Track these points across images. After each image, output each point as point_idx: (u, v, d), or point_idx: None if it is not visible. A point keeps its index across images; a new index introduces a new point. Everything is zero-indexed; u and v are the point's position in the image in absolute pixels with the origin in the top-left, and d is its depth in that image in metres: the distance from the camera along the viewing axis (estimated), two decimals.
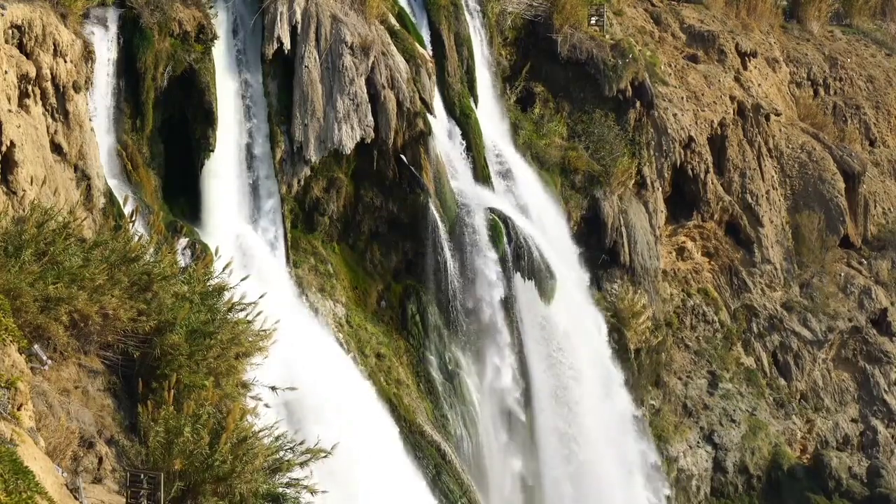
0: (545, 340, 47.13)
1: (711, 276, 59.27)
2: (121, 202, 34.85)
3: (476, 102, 48.99)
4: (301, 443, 22.94)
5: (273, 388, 25.59)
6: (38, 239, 23.10)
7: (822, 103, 68.92)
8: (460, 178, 46.59)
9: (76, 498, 19.02)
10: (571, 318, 48.30)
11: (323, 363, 38.89)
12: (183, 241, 36.04)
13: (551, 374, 47.21)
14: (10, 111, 30.52)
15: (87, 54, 35.48)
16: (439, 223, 44.02)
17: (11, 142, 30.02)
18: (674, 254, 58.16)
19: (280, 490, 22.40)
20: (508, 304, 45.53)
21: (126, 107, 38.10)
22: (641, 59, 54.97)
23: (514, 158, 50.34)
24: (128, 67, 38.04)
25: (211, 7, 40.70)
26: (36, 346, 21.57)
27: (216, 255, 33.22)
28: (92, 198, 33.89)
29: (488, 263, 45.01)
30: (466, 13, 49.89)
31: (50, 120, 33.21)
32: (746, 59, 64.66)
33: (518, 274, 45.80)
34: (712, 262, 59.47)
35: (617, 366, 50.53)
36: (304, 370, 34.58)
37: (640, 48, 57.13)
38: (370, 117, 42.52)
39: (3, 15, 31.29)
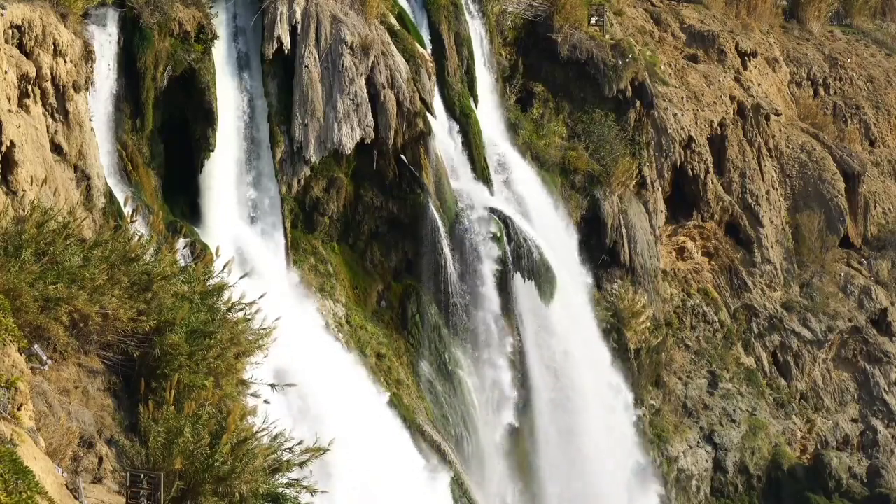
0: (545, 340, 47.13)
1: (711, 276, 59.27)
2: (121, 202, 34.88)
3: (476, 102, 48.99)
4: (300, 442, 22.95)
5: (272, 385, 25.63)
6: (38, 239, 23.11)
7: (822, 103, 68.92)
8: (460, 178, 46.59)
9: (76, 498, 19.02)
10: (571, 317, 48.30)
11: (322, 362, 38.88)
12: (183, 241, 36.02)
13: (551, 373, 47.23)
14: (10, 111, 30.52)
15: (87, 54, 35.45)
16: (439, 223, 44.02)
17: (11, 142, 30.01)
18: (674, 254, 58.16)
19: (280, 490, 22.42)
20: (508, 304, 45.52)
21: (126, 107, 38.08)
22: (641, 59, 54.97)
23: (515, 158, 50.34)
24: (128, 67, 38.02)
25: (211, 7, 40.67)
26: (36, 346, 21.57)
27: (216, 254, 33.22)
28: (92, 198, 33.89)
29: (488, 263, 45.02)
30: (466, 13, 49.88)
31: (50, 120, 33.20)
32: (746, 59, 64.66)
33: (518, 274, 45.79)
34: (712, 262, 59.47)
35: (616, 365, 50.58)
36: (303, 369, 34.58)
37: (640, 48, 57.13)
38: (370, 117, 42.52)
39: (3, 15, 31.29)
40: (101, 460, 21.33)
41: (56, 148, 33.19)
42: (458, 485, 42.07)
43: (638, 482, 50.63)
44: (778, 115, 63.95)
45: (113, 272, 23.56)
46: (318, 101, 42.03)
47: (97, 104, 36.77)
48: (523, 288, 46.08)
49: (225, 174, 40.50)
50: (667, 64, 60.23)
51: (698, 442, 55.06)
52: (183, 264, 30.04)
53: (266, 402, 24.95)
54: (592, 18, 56.43)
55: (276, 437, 22.76)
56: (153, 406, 21.55)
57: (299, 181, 42.20)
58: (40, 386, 21.51)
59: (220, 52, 40.86)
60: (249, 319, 25.39)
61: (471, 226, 45.10)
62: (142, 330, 23.62)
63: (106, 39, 37.38)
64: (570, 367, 47.87)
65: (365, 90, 42.62)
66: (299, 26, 42.02)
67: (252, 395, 25.05)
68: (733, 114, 60.38)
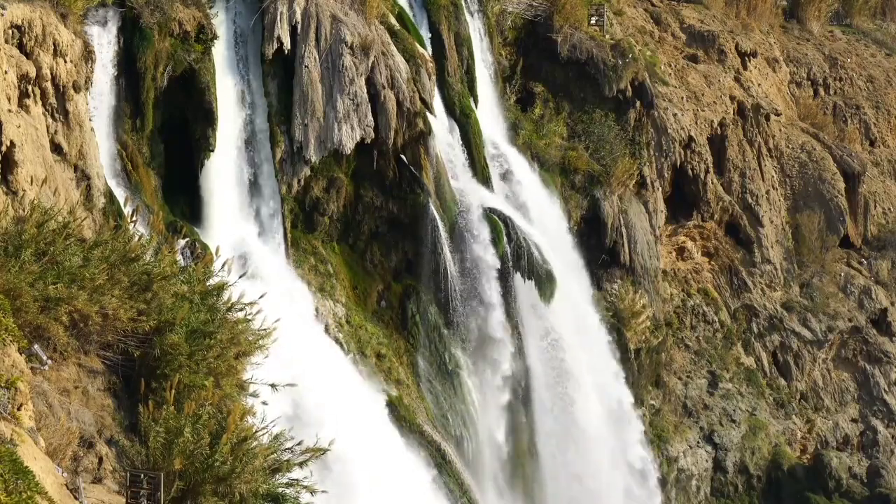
0: (544, 340, 47.14)
1: (711, 276, 59.27)
2: (121, 202, 34.89)
3: (476, 102, 48.99)
4: (300, 442, 22.94)
5: (273, 386, 25.61)
6: (38, 239, 23.10)
7: (822, 103, 68.93)
8: (460, 178, 46.60)
9: (76, 498, 19.02)
10: (571, 317, 48.30)
11: (322, 363, 38.89)
12: (183, 242, 36.03)
13: (551, 373, 47.24)
14: (10, 111, 30.52)
15: (87, 54, 35.46)
16: (439, 223, 44.03)
17: (11, 142, 30.02)
18: (674, 254, 58.16)
19: (280, 490, 22.41)
20: (508, 304, 45.52)
21: (126, 107, 38.09)
22: (641, 59, 54.98)
23: (514, 158, 50.35)
24: (128, 67, 38.03)
25: (211, 7, 40.69)
26: (36, 346, 21.56)
27: (216, 254, 33.23)
28: (92, 198, 33.89)
29: (488, 264, 45.02)
30: (466, 13, 49.89)
31: (50, 120, 33.20)
32: (746, 59, 64.66)
33: (518, 274, 45.80)
34: (712, 262, 59.47)
35: (617, 365, 50.56)
36: (304, 370, 34.56)
37: (640, 48, 57.13)
38: (370, 117, 42.53)
39: (3, 15, 31.29)
40: (101, 460, 21.33)
41: (56, 148, 33.20)
42: (458, 485, 42.07)
43: (637, 481, 50.61)
44: (778, 115, 63.96)
45: (113, 272, 23.56)
46: (318, 101, 42.04)
47: (97, 104, 36.78)
48: (523, 288, 46.09)
49: (225, 174, 40.52)
50: (667, 64, 60.24)
51: (698, 442, 55.06)
52: (183, 264, 30.05)
53: (264, 403, 24.93)
54: (592, 18, 56.44)
55: (276, 437, 22.75)
56: (153, 406, 21.53)
57: (299, 181, 42.21)
58: (40, 386, 21.51)
59: (220, 52, 40.87)
60: (250, 320, 25.39)
61: (471, 226, 45.10)
62: (142, 330, 23.61)
63: (106, 39, 37.39)
64: (571, 367, 47.85)
65: (365, 90, 42.62)
66: (299, 26, 42.02)
67: (252, 394, 25.04)
68: (733, 114, 60.38)
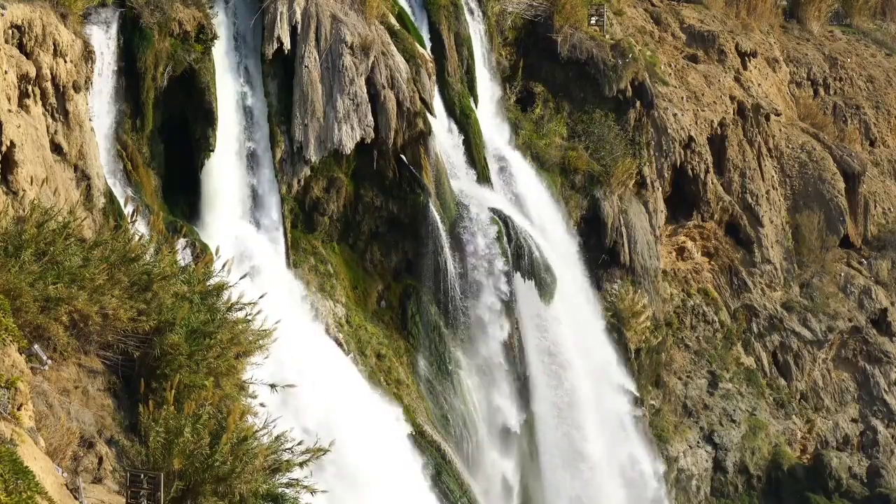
0: (545, 340, 47.13)
1: (711, 276, 59.27)
2: (121, 202, 34.89)
3: (476, 102, 48.99)
4: (300, 442, 22.95)
5: (272, 387, 25.61)
6: (38, 239, 23.13)
7: (822, 103, 68.93)
8: (460, 178, 46.59)
9: (76, 498, 19.03)
10: (571, 317, 48.29)
11: (323, 363, 38.89)
12: (183, 241, 36.02)
13: (551, 373, 47.23)
14: (10, 111, 30.52)
15: (87, 54, 35.44)
16: (439, 223, 44.02)
17: (11, 142, 30.01)
18: (674, 254, 58.16)
19: (280, 490, 22.42)
20: (508, 303, 45.51)
21: (126, 107, 38.08)
22: (641, 59, 54.98)
23: (514, 158, 50.35)
24: (128, 67, 38.03)
25: (211, 7, 40.69)
26: (36, 346, 21.58)
27: (216, 254, 33.23)
28: (92, 198, 33.88)
29: (488, 264, 45.00)
30: (466, 13, 49.89)
31: (50, 120, 33.19)
32: (746, 59, 64.67)
33: (518, 274, 45.79)
34: (712, 262, 59.47)
35: (618, 365, 50.56)
36: (304, 370, 34.58)
37: (640, 48, 57.13)
38: (370, 117, 42.52)
39: (3, 15, 31.29)
40: (101, 460, 21.34)
41: (56, 148, 33.19)
42: (458, 485, 42.07)
43: (637, 481, 50.59)
44: (778, 115, 63.97)
45: (113, 272, 23.58)
46: (318, 101, 42.04)
47: (97, 104, 36.76)
48: (523, 288, 46.07)
49: (225, 174, 40.51)
50: (667, 64, 60.25)
51: (698, 442, 55.06)
52: (183, 264, 30.05)
53: (262, 405, 24.93)
54: (592, 18, 56.45)
55: (276, 437, 22.76)
56: (153, 406, 21.55)
57: (299, 181, 42.20)
58: (40, 386, 21.52)
59: (220, 52, 40.86)
60: (250, 320, 25.40)
61: (471, 226, 45.08)
62: (142, 330, 23.63)
63: (106, 39, 37.37)
64: (571, 367, 47.85)
65: (365, 90, 42.62)
66: (299, 26, 42.02)
67: (251, 396, 25.05)
68: (733, 114, 60.39)
